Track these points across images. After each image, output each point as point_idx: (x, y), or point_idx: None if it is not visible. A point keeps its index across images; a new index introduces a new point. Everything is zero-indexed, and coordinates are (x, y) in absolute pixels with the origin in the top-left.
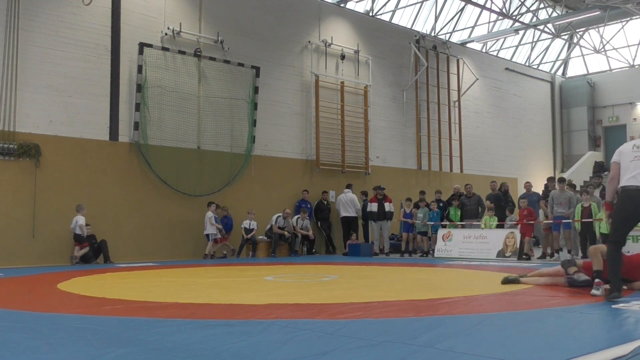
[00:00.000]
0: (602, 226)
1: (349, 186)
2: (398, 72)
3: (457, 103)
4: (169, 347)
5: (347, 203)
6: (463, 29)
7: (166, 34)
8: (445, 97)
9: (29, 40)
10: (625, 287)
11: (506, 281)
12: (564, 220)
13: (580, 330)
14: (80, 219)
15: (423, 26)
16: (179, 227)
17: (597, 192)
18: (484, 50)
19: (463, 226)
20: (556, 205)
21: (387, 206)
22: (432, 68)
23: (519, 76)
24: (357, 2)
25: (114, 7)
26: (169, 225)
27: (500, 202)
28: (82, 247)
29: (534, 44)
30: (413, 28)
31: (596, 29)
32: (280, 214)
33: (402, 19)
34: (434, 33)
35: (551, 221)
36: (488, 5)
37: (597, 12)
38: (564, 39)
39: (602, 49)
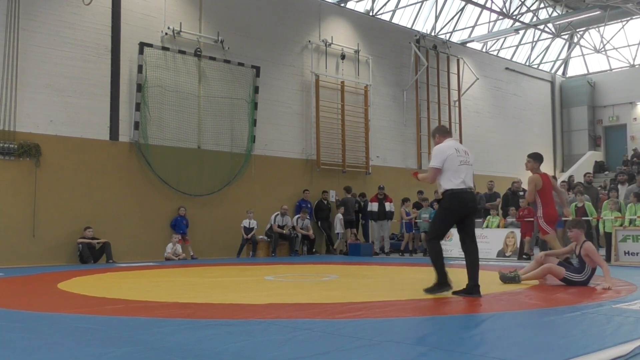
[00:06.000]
0: (607, 225)
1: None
2: (398, 71)
3: (457, 103)
4: (169, 347)
5: None
6: (463, 29)
7: (166, 33)
8: (445, 96)
9: (29, 40)
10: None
11: (505, 279)
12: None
13: (580, 330)
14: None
15: (423, 26)
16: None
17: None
18: (484, 50)
19: None
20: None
21: (388, 206)
22: (432, 68)
23: (519, 76)
24: (357, 1)
25: (114, 6)
26: (169, 225)
27: (490, 201)
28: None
29: (534, 43)
30: (413, 28)
31: (596, 29)
32: (278, 212)
33: (402, 19)
34: (434, 33)
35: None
36: (488, 5)
37: (598, 12)
38: (564, 39)
39: (603, 49)
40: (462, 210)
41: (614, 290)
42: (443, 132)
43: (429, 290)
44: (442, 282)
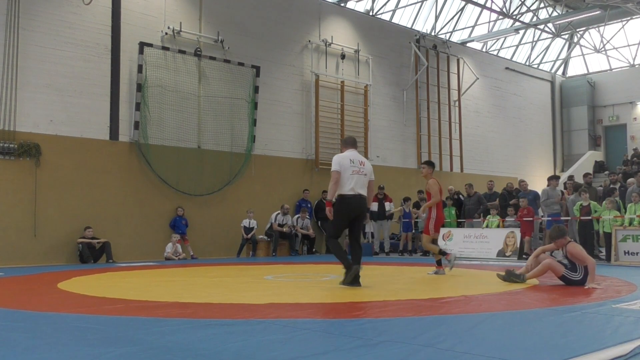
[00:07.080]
0: (606, 225)
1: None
2: (398, 71)
3: (457, 102)
4: (169, 346)
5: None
6: (463, 29)
7: (166, 33)
8: (445, 96)
9: (29, 40)
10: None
11: (509, 277)
12: (561, 218)
13: (580, 330)
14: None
15: (423, 26)
16: None
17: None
18: (484, 50)
19: (459, 225)
20: (550, 202)
21: (388, 205)
22: (432, 67)
23: (519, 76)
24: (357, 1)
25: (114, 6)
26: (169, 225)
27: (490, 201)
28: None
29: (534, 43)
30: (413, 27)
31: (596, 29)
32: (279, 211)
33: (403, 19)
34: (434, 32)
35: (550, 218)
36: (488, 4)
37: (598, 12)
38: (564, 39)
39: (603, 49)
40: (350, 212)
41: (614, 290)
42: (345, 143)
43: (344, 283)
44: (349, 267)
